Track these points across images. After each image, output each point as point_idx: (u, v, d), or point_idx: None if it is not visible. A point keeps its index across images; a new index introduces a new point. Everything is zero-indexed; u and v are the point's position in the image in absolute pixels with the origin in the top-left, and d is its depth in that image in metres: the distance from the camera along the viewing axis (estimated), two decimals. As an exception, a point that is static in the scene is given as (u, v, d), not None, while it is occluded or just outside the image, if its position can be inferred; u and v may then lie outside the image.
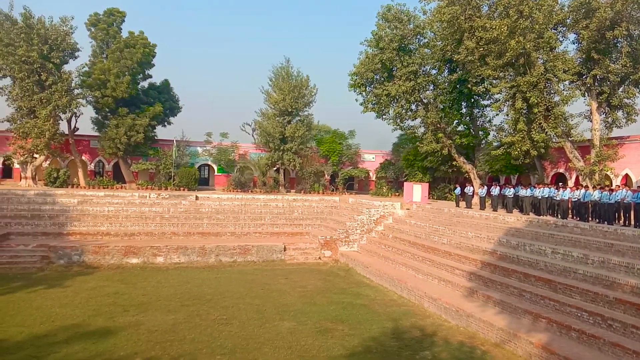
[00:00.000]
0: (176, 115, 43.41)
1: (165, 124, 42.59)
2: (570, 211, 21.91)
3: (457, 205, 29.04)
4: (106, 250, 24.92)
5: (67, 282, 20.53)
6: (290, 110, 39.81)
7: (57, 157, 38.35)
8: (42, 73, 34.20)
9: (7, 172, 41.06)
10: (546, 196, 22.77)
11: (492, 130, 33.43)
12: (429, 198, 33.21)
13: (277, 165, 41.78)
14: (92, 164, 42.22)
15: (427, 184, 34.32)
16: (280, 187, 41.37)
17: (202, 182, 45.74)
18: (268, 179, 41.97)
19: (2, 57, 33.45)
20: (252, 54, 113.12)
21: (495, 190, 26.29)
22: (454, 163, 35.13)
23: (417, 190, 32.11)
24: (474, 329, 15.53)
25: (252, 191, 39.55)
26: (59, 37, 34.65)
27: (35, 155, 36.21)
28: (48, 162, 38.06)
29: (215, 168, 45.67)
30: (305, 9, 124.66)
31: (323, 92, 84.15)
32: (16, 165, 38.86)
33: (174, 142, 40.75)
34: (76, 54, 36.85)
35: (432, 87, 34.57)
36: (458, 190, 30.41)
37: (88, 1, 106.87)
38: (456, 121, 35.06)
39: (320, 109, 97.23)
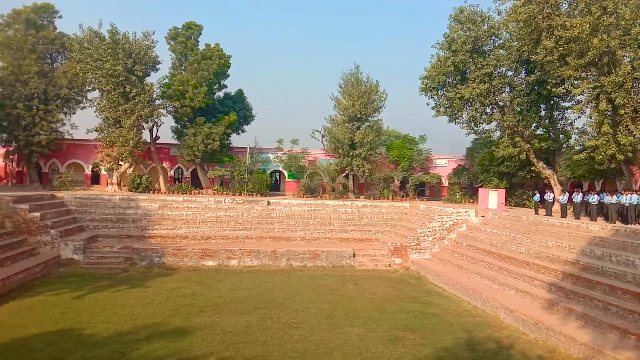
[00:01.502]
0: (249, 124, 44.90)
1: (240, 132, 44.18)
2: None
3: (536, 213, 27.70)
4: (184, 253, 26.10)
5: (148, 283, 21.70)
6: (359, 116, 39.81)
7: (140, 164, 40.76)
8: (126, 85, 36.52)
9: (95, 179, 44.20)
10: (634, 203, 21.19)
11: (574, 133, 31.48)
12: (505, 205, 31.85)
13: (346, 171, 41.87)
14: (172, 171, 44.54)
15: (504, 190, 32.93)
16: (349, 193, 41.42)
17: (274, 187, 46.80)
18: (337, 184, 42.15)
19: (91, 72, 36.17)
20: (322, 61, 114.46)
21: (577, 197, 24.82)
22: (533, 168, 33.48)
23: (492, 197, 30.92)
24: (554, 343, 14.69)
25: (321, 197, 39.89)
26: (141, 51, 36.92)
27: (120, 163, 38.68)
28: (132, 169, 40.48)
29: (286, 174, 46.56)
30: (376, 14, 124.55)
31: (393, 96, 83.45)
32: (103, 172, 41.77)
33: (247, 149, 42.06)
34: (157, 66, 39.08)
35: (508, 89, 33.21)
36: (537, 197, 28.99)
37: (168, 16, 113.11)
38: (534, 124, 33.38)
39: (390, 114, 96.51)
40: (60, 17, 41.08)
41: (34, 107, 37.64)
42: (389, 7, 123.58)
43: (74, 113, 41.75)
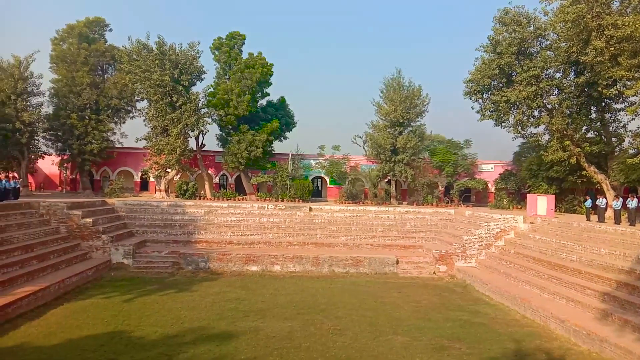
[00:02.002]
0: (291, 130, 45.40)
1: (282, 138, 44.74)
2: None
3: (588, 219, 26.62)
4: (229, 258, 26.57)
5: (195, 287, 22.18)
6: (401, 121, 39.52)
7: (187, 171, 41.87)
8: (173, 95, 37.68)
9: (144, 186, 45.74)
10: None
11: (628, 136, 30.19)
12: (555, 211, 30.77)
13: (389, 177, 41.60)
14: (217, 177, 45.52)
15: (553, 195, 31.82)
16: (391, 199, 41.10)
17: (315, 193, 47.07)
18: (379, 190, 41.91)
19: (140, 82, 37.59)
20: (364, 67, 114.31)
21: (632, 203, 23.69)
22: (584, 173, 32.22)
23: (541, 203, 29.94)
24: (608, 355, 14.03)
25: (363, 203, 39.76)
26: (187, 62, 38.06)
27: (167, 170, 39.87)
28: (179, 176, 41.65)
29: (328, 180, 46.69)
30: (418, 18, 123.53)
31: (436, 101, 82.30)
32: (152, 179, 43.17)
33: (290, 155, 42.51)
34: (202, 76, 40.18)
35: (556, 92, 32.18)
36: (589, 202, 27.88)
37: (213, 26, 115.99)
38: (585, 127, 32.17)
39: (433, 119, 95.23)
40: (110, 30, 43.06)
41: (87, 117, 39.40)
42: (431, 9, 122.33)
43: (124, 122, 43.52)
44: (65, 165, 43.96)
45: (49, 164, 45.12)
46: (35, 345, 13.93)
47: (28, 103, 37.78)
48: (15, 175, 39.25)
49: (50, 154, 42.23)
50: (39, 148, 40.82)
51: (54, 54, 40.32)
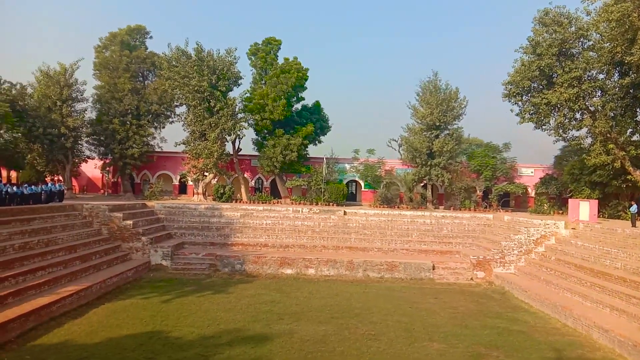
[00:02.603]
0: (326, 134, 45.47)
1: (316, 142, 44.84)
2: None
3: (633, 225, 25.59)
4: (264, 261, 26.83)
5: (230, 289, 22.50)
6: (438, 124, 39.05)
7: (224, 175, 42.53)
8: (211, 100, 38.42)
9: (183, 189, 46.71)
10: None
11: (676, 139, 28.96)
12: (598, 217, 29.73)
13: (425, 181, 41.12)
14: (253, 181, 46.05)
15: (596, 200, 30.74)
16: (427, 204, 40.59)
17: (350, 197, 46.97)
18: (415, 194, 41.46)
19: (179, 88, 38.52)
20: (400, 70, 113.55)
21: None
22: (629, 177, 31.04)
23: (584, 208, 28.98)
24: (657, 369, 13.43)
25: (398, 207, 39.42)
26: (224, 67, 38.78)
27: (205, 174, 40.63)
28: (216, 179, 42.35)
29: (362, 184, 46.52)
30: (455, 21, 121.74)
31: (475, 103, 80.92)
32: (190, 183, 44.05)
33: (324, 159, 42.58)
34: (239, 81, 40.83)
35: (599, 94, 31.17)
36: (634, 208, 26.80)
37: (250, 31, 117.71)
38: (630, 130, 31.00)
39: (472, 122, 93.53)
40: (150, 37, 44.31)
41: (128, 122, 40.59)
42: (469, 11, 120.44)
43: (164, 127, 44.60)
44: (107, 168, 45.48)
45: (91, 168, 46.78)
46: (78, 343, 14.45)
47: (73, 109, 39.31)
48: (60, 178, 40.93)
49: (93, 158, 43.75)
50: (83, 152, 42.38)
51: (97, 61, 41.80)
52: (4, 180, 33.06)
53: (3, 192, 23.98)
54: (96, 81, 42.23)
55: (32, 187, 26.82)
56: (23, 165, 41.12)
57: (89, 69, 42.73)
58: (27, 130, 36.43)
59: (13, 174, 43.47)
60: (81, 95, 40.02)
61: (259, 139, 42.43)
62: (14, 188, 25.19)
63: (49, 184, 29.46)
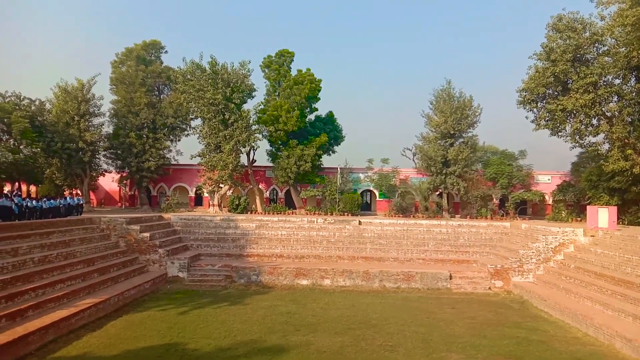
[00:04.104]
0: (339, 144, 45.60)
1: (330, 152, 44.97)
2: None
3: (655, 232, 25.06)
4: (280, 272, 26.83)
5: (247, 300, 22.52)
6: (452, 132, 38.89)
7: (239, 186, 42.79)
8: (225, 113, 38.83)
9: (199, 201, 47.08)
10: None
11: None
12: (617, 223, 29.21)
13: (440, 190, 40.88)
14: (268, 192, 46.25)
15: (615, 207, 30.18)
16: (443, 212, 40.30)
17: (365, 207, 46.90)
18: (430, 203, 41.21)
19: (194, 101, 39.03)
20: (413, 79, 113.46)
21: None
22: (649, 183, 30.53)
23: (603, 215, 28.48)
24: (683, 379, 13.09)
25: (413, 216, 39.20)
26: (238, 80, 39.24)
27: (220, 185, 40.92)
28: (231, 191, 42.62)
29: (377, 193, 46.40)
30: (467, 29, 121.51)
31: (489, 111, 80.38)
32: (205, 194, 44.38)
33: (338, 169, 42.59)
34: (253, 93, 41.25)
35: (616, 99, 30.79)
36: (655, 214, 26.28)
37: (263, 43, 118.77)
38: (649, 135, 30.58)
39: (486, 129, 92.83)
40: (166, 52, 45.04)
41: (144, 136, 41.17)
42: (481, 18, 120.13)
43: (179, 140, 45.18)
44: (125, 182, 46.06)
45: (109, 181, 47.45)
46: (96, 355, 14.55)
47: (90, 123, 40.08)
48: (79, 192, 41.55)
49: (110, 172, 44.44)
50: (100, 166, 43.11)
51: (114, 76, 42.55)
52: (24, 195, 33.64)
53: (23, 207, 24.42)
54: (113, 96, 42.98)
55: (52, 201, 27.25)
56: (42, 180, 41.89)
57: (106, 84, 43.63)
58: (45, 145, 37.18)
59: (32, 188, 44.28)
60: (98, 110, 40.87)
61: (273, 150, 42.67)
62: (34, 202, 25.64)
63: (68, 198, 29.93)
